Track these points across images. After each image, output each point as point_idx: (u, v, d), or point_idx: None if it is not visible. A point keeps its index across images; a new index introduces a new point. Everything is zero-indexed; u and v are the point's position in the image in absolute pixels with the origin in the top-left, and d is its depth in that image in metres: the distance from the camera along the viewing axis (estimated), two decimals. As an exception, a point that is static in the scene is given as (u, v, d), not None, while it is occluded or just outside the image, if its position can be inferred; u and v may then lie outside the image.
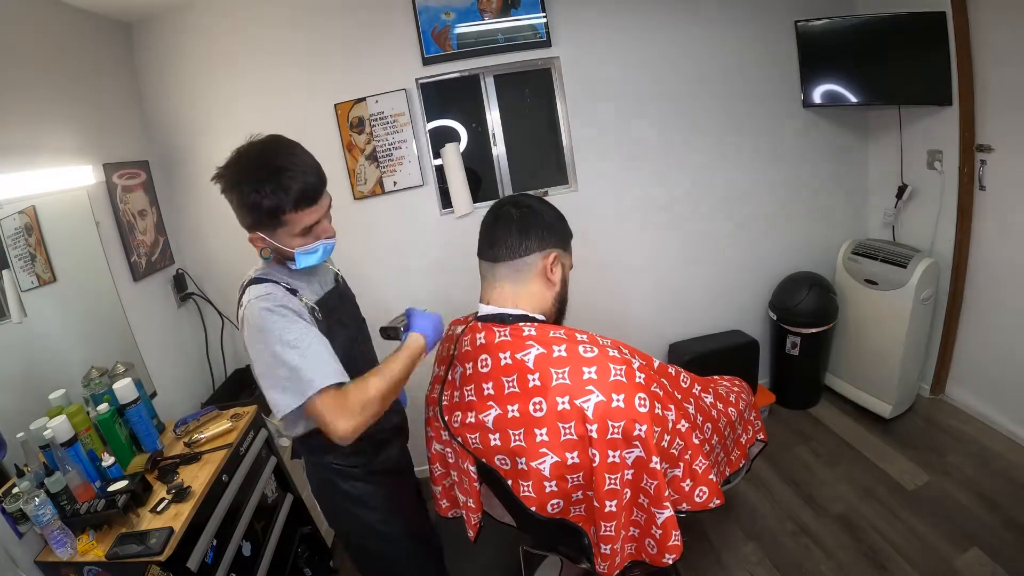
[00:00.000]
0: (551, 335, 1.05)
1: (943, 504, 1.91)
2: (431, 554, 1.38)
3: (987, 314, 2.22)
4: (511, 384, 1.04)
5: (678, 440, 1.05)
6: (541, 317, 1.12)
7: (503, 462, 1.05)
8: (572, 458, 1.00)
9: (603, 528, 1.02)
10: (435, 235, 2.32)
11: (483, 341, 1.08)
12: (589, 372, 0.99)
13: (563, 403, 0.99)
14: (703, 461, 1.09)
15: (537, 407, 1.01)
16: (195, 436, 1.57)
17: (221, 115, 2.13)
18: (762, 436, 1.47)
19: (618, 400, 0.96)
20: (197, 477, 1.39)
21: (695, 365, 1.73)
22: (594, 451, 0.97)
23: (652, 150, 2.40)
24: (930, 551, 1.73)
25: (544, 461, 1.02)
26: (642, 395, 0.98)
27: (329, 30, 2.10)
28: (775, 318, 2.54)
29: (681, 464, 1.07)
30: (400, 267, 2.35)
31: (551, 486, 1.04)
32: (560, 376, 1.00)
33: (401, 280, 2.36)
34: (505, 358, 1.05)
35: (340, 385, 0.98)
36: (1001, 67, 1.94)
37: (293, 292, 1.05)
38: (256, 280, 1.04)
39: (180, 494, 1.31)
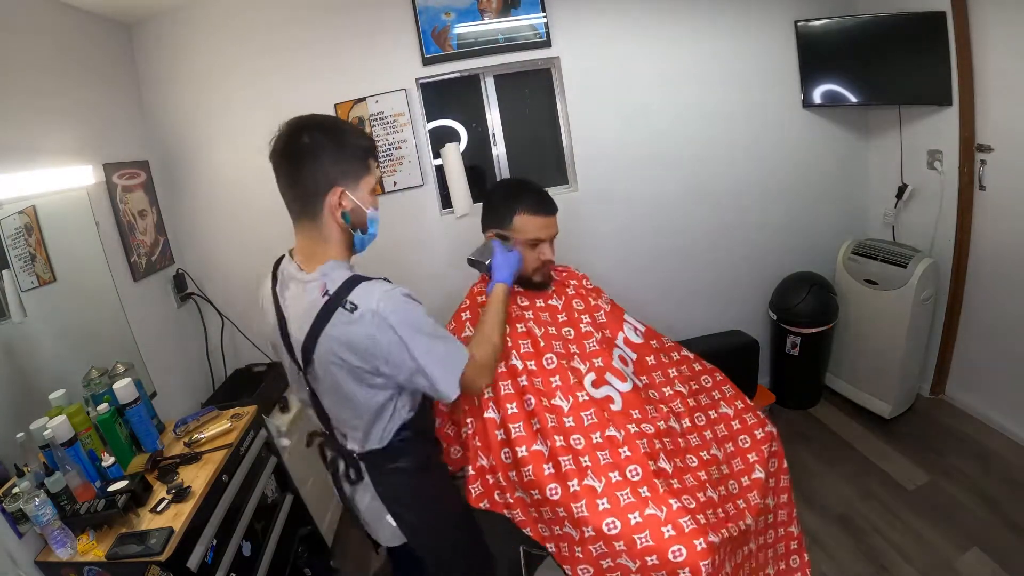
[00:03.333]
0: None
1: (943, 504, 1.91)
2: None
3: (987, 314, 2.22)
4: None
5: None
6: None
7: None
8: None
9: None
10: (435, 235, 2.32)
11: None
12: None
13: None
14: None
15: None
16: (195, 436, 1.57)
17: (221, 115, 2.13)
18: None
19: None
20: (197, 477, 1.39)
21: (695, 365, 1.73)
22: None
23: (652, 150, 2.40)
24: (930, 551, 1.73)
25: None
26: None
27: (329, 30, 2.10)
28: (775, 318, 2.54)
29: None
30: (400, 267, 2.35)
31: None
32: None
33: (401, 280, 2.35)
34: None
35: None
36: (1001, 67, 1.94)
37: None
38: (361, 278, 0.98)
39: (180, 494, 1.31)
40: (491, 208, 1.38)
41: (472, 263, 1.36)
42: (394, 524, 1.13)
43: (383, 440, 1.08)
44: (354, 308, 0.92)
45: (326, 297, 0.94)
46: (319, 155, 0.94)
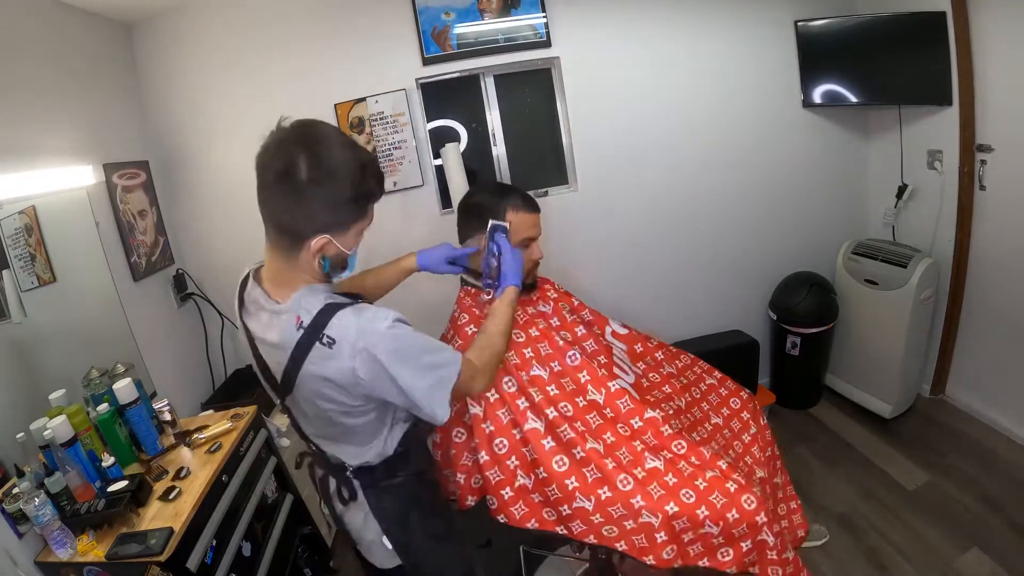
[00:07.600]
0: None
1: (943, 504, 1.91)
2: None
3: (987, 314, 2.22)
4: None
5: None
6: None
7: None
8: None
9: None
10: (435, 235, 2.30)
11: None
12: None
13: None
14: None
15: None
16: (195, 436, 1.56)
17: (221, 115, 2.13)
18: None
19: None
20: (197, 477, 1.39)
21: (695, 365, 1.74)
22: None
23: (652, 150, 2.40)
24: (930, 551, 1.73)
25: None
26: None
27: (329, 30, 2.10)
28: (775, 318, 2.54)
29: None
30: (400, 267, 2.35)
31: None
32: None
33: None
34: None
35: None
36: (1001, 67, 1.94)
37: None
38: (336, 306, 0.86)
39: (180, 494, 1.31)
40: (476, 211, 1.28)
41: (466, 271, 1.30)
42: (390, 546, 1.06)
43: (383, 454, 1.02)
44: (331, 343, 0.83)
45: (301, 331, 0.84)
46: (314, 198, 0.80)
